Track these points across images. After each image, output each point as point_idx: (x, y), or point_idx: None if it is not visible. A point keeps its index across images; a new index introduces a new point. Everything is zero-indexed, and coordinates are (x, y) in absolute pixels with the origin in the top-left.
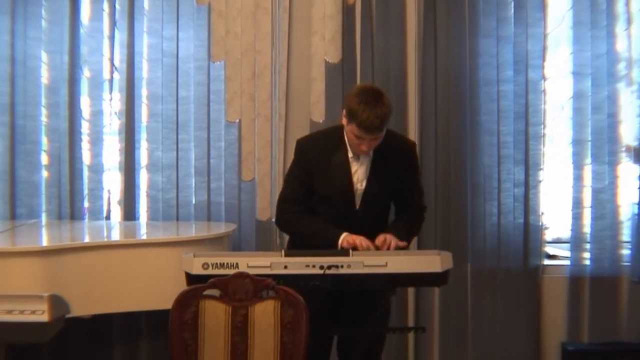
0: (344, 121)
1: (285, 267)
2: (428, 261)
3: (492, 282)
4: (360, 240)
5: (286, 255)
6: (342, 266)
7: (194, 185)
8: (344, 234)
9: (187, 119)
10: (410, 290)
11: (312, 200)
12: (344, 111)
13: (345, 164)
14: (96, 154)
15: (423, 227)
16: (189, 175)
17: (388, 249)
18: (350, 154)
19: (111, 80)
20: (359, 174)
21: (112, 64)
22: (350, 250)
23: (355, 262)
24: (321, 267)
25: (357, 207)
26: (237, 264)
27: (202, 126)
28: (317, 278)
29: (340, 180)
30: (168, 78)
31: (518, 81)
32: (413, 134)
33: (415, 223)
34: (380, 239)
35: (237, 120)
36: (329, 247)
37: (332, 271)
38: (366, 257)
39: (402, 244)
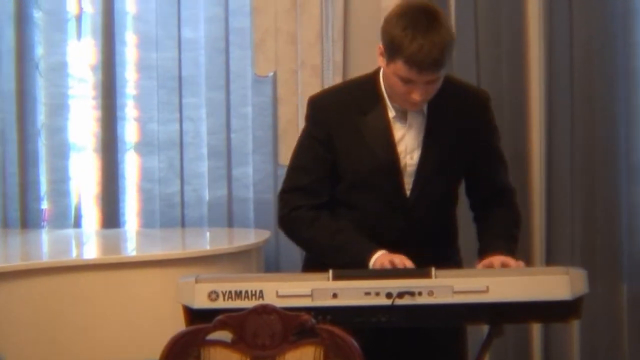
0: (381, 62)
1: (334, 295)
2: (550, 283)
3: None
4: (401, 260)
5: (335, 277)
6: (420, 293)
7: (207, 173)
8: (379, 254)
9: (196, 74)
10: (535, 328)
11: (337, 190)
12: (380, 46)
13: (384, 128)
14: (59, 127)
15: (552, 231)
16: (200, 158)
17: None
18: (391, 113)
19: (80, 18)
20: (408, 141)
21: None
22: (433, 269)
23: (440, 287)
24: (389, 295)
25: (408, 193)
26: (261, 292)
27: (218, 84)
28: (382, 312)
29: (378, 152)
30: (165, 12)
31: None
32: (537, 91)
33: (515, 220)
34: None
35: (271, 74)
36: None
37: (406, 301)
38: (457, 279)
39: (521, 264)
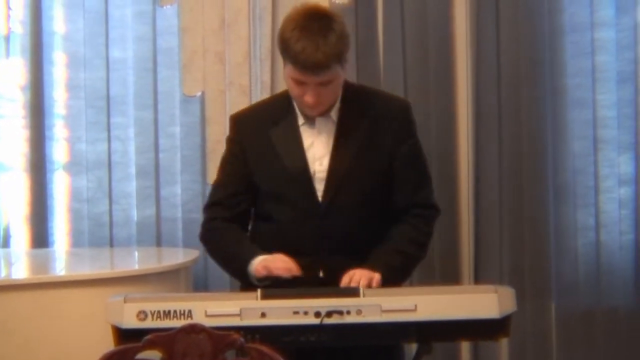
0: (283, 66)
1: (263, 314)
2: (479, 301)
3: (590, 329)
4: (274, 262)
5: (264, 297)
6: (348, 312)
7: (135, 193)
8: (258, 259)
9: (124, 93)
10: (464, 346)
11: (257, 204)
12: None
13: (293, 135)
14: None
15: (482, 249)
16: (129, 177)
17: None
18: (300, 120)
19: (8, 38)
20: (317, 147)
21: (9, 11)
22: (361, 289)
23: (368, 306)
24: (317, 314)
25: (321, 198)
26: (190, 311)
27: (146, 103)
28: (311, 331)
29: (287, 160)
30: (94, 31)
31: (623, 25)
32: (464, 109)
33: (414, 238)
34: (345, 279)
35: (199, 94)
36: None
37: (335, 320)
38: (386, 297)
39: (374, 281)
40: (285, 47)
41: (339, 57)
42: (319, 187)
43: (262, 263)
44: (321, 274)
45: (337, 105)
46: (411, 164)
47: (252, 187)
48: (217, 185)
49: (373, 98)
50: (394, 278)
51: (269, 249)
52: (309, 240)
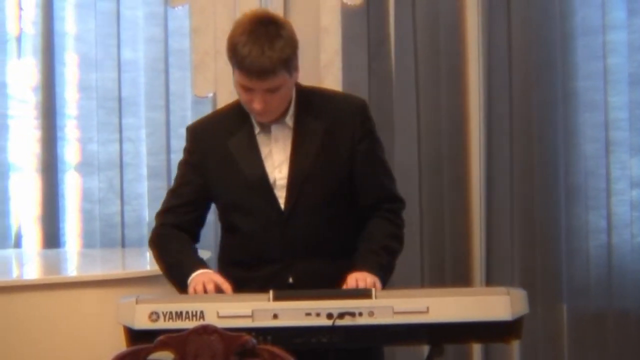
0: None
1: (275, 316)
2: (491, 303)
3: (601, 332)
4: (199, 286)
5: (276, 298)
6: (360, 313)
7: (147, 193)
8: (197, 273)
9: (135, 94)
10: (476, 348)
11: (220, 215)
12: None
13: (250, 144)
14: None
15: (493, 252)
16: (140, 178)
17: None
18: (256, 129)
19: (20, 38)
20: (275, 154)
21: (21, 11)
22: (373, 290)
23: (381, 308)
24: (329, 316)
25: (283, 206)
26: (202, 312)
27: (157, 104)
28: (323, 332)
29: (246, 170)
30: (105, 32)
31: (634, 27)
32: (475, 110)
33: (393, 232)
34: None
35: (210, 95)
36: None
37: (347, 321)
38: (398, 299)
39: (377, 284)
40: (233, 51)
41: (285, 63)
42: (281, 195)
43: (191, 284)
44: (290, 280)
45: (292, 110)
46: (372, 162)
47: (205, 196)
48: (170, 192)
49: (328, 100)
50: (385, 276)
51: (237, 260)
52: (275, 248)
